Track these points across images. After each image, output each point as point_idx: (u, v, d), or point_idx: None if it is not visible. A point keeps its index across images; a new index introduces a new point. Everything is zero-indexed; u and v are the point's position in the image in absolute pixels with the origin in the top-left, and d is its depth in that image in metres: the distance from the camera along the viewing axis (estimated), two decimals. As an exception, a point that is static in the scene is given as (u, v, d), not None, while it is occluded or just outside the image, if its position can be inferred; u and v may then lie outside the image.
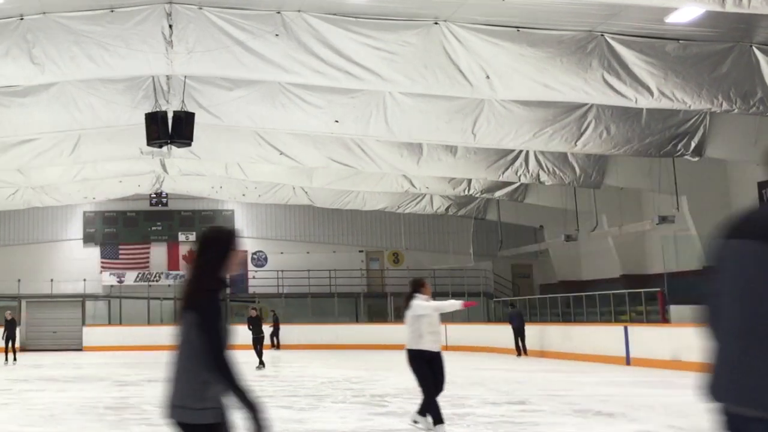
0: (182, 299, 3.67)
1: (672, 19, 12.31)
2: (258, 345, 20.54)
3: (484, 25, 13.06)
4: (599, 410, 11.36)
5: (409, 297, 9.00)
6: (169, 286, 33.89)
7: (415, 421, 9.10)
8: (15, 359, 24.35)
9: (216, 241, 3.73)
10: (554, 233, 28.21)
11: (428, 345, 8.89)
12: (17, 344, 25.68)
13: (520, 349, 25.18)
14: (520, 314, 26.03)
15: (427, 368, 8.82)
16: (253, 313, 20.87)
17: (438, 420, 8.79)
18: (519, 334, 25.23)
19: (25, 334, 32.47)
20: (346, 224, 34.77)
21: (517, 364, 21.89)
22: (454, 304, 9.62)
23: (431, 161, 21.16)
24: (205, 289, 3.61)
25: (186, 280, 3.72)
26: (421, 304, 8.97)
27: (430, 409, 8.85)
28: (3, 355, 23.98)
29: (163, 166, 25.42)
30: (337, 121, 17.22)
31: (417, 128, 17.47)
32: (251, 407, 3.45)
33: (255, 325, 20.60)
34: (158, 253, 35.00)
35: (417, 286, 9.10)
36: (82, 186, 27.77)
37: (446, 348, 31.36)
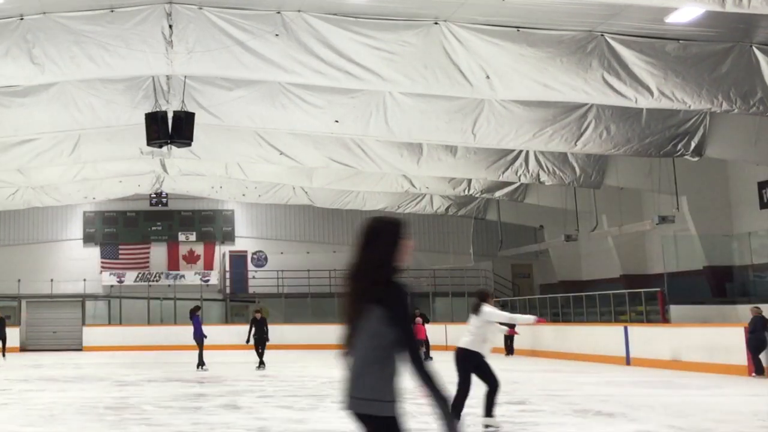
0: (360, 292, 3.56)
1: (672, 19, 12.32)
2: (260, 346, 20.60)
3: (484, 25, 13.07)
4: (599, 410, 11.35)
5: (478, 305, 9.48)
6: (169, 286, 33.91)
7: (487, 426, 9.36)
8: (4, 356, 24.37)
9: (384, 232, 3.63)
10: (554, 233, 28.20)
11: (485, 350, 9.39)
12: (14, 343, 25.66)
13: (509, 349, 25.85)
14: None
15: (472, 371, 9.25)
16: (258, 315, 20.94)
17: (457, 416, 8.98)
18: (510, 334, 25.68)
19: (25, 334, 32.50)
20: (346, 224, 34.73)
21: (516, 365, 21.88)
22: (527, 318, 10.35)
23: (431, 161, 21.17)
24: (388, 281, 3.54)
25: (356, 273, 3.61)
26: (495, 311, 9.55)
27: (455, 406, 9.01)
28: None
29: (163, 166, 25.41)
30: (337, 121, 17.22)
31: (417, 128, 17.47)
32: (441, 399, 3.43)
33: (258, 327, 20.66)
34: (158, 253, 35.01)
35: (484, 296, 9.70)
36: (82, 186, 27.77)
37: (446, 347, 31.38)
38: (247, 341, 20.75)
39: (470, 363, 9.22)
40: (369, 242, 3.61)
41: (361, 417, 3.50)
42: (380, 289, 3.50)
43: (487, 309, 9.36)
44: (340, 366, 3.68)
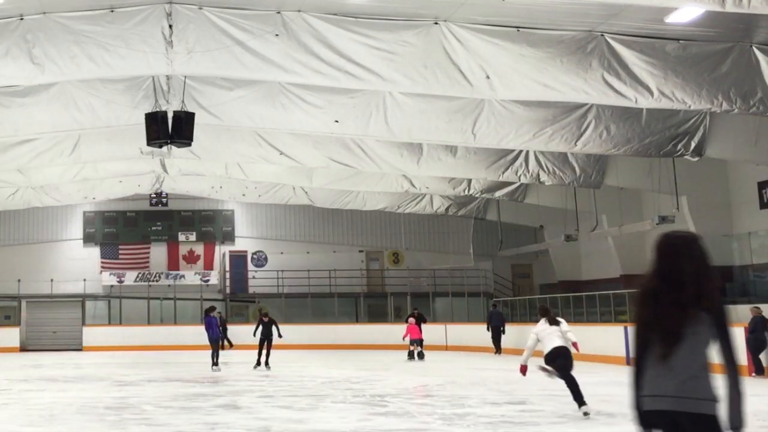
0: (687, 302, 3.90)
1: (672, 19, 12.31)
2: (263, 346, 20.74)
3: (484, 25, 13.06)
4: (599, 410, 11.34)
5: (553, 318, 11.26)
6: (169, 286, 33.90)
7: (586, 413, 10.59)
8: None
9: (693, 246, 4.11)
10: (554, 233, 28.20)
11: None
12: (14, 343, 25.67)
13: (498, 348, 26.67)
14: (500, 314, 27.70)
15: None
16: (265, 318, 21.14)
17: (581, 402, 10.64)
18: (497, 333, 26.81)
19: (25, 334, 32.50)
20: (346, 224, 34.76)
21: (516, 364, 21.82)
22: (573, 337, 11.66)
23: (431, 161, 21.16)
24: (714, 293, 3.94)
25: (674, 284, 3.97)
26: (569, 328, 11.35)
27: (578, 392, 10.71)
28: None
29: (163, 166, 25.41)
30: (337, 121, 17.21)
31: (417, 128, 17.47)
32: (739, 399, 3.82)
33: (265, 327, 20.89)
34: (158, 253, 34.99)
35: (549, 312, 11.56)
36: (82, 186, 27.76)
37: (446, 348, 31.21)
38: (254, 334, 21.10)
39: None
40: (682, 255, 4.06)
41: (688, 416, 3.79)
42: (711, 299, 3.91)
43: (565, 326, 11.25)
44: (665, 368, 3.86)
